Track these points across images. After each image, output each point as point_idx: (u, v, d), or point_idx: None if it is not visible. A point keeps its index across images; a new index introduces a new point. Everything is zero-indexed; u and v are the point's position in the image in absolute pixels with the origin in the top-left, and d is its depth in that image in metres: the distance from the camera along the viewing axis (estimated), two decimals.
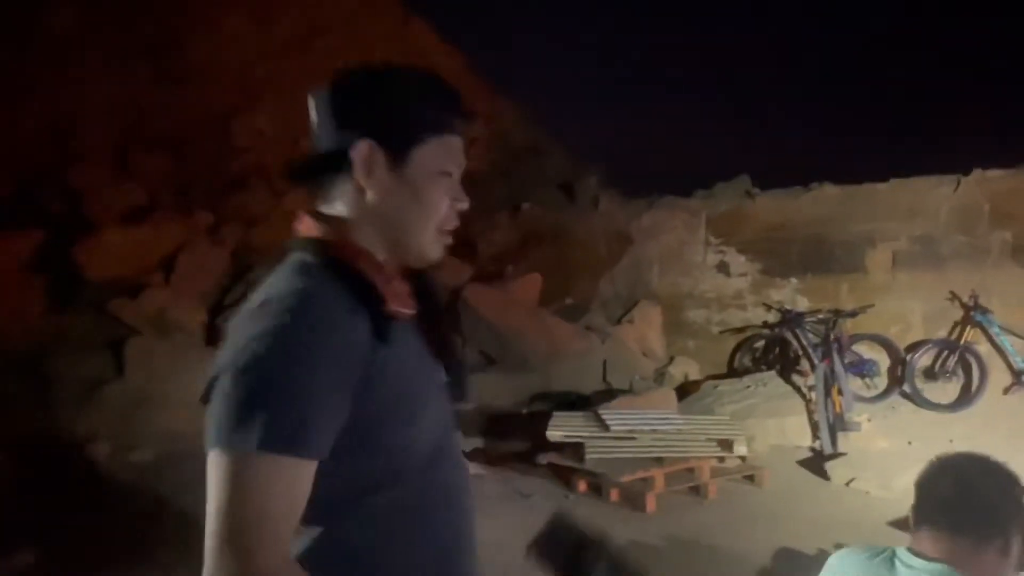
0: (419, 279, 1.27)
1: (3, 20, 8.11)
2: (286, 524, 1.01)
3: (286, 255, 1.16)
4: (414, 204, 1.19)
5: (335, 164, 1.17)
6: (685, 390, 7.57)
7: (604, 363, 8.06)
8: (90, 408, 6.05)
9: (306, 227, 1.19)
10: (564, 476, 5.71)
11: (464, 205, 1.26)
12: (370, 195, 1.17)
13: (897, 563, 1.56)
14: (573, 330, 8.39)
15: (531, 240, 9.69)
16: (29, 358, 6.18)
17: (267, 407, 0.98)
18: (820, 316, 7.56)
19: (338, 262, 1.13)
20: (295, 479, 1.01)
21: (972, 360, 6.98)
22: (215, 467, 0.99)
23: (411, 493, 1.14)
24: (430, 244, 1.22)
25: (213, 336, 7.30)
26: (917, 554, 1.55)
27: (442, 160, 1.21)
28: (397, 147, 1.17)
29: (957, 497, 1.56)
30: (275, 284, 1.11)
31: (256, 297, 1.10)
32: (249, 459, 0.97)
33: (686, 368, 8.38)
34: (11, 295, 6.52)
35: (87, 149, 7.88)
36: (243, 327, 1.05)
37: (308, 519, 1.06)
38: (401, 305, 1.15)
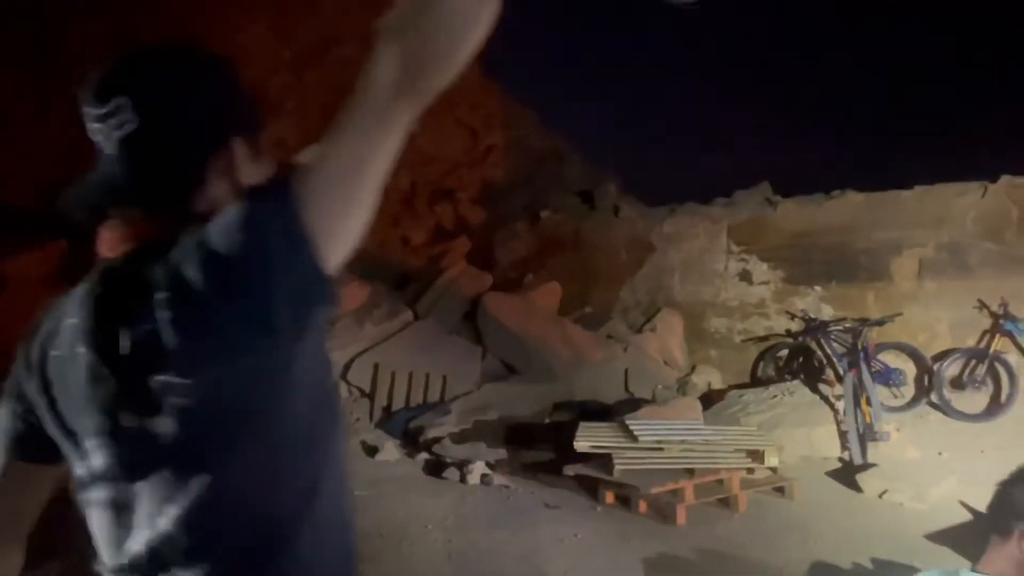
0: None
1: (28, 31, 8.16)
2: None
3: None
4: None
5: (195, 173, 1.06)
6: (709, 399, 7.51)
7: (626, 372, 8.00)
8: None
9: (167, 227, 1.02)
10: (591, 487, 5.65)
11: None
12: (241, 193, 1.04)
13: None
14: (594, 338, 8.34)
15: (551, 248, 9.66)
16: None
17: None
18: (846, 325, 7.49)
19: None
20: None
21: (1001, 369, 6.89)
22: None
23: None
24: None
25: None
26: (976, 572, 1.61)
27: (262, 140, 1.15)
28: (255, 137, 1.12)
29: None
30: None
31: None
32: None
33: (708, 377, 8.32)
34: (35, 307, 6.52)
35: None
36: None
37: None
38: None
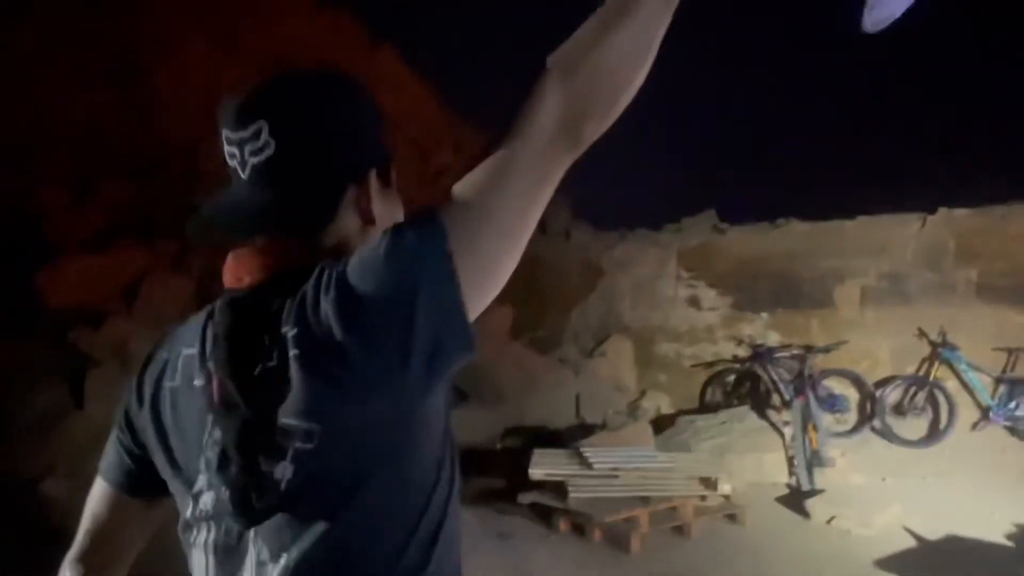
0: None
1: None
2: None
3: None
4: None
5: (331, 204, 1.01)
6: (659, 424, 7.54)
7: (577, 397, 8.01)
8: (47, 442, 5.78)
9: (297, 259, 0.97)
10: (544, 515, 5.60)
11: None
12: (371, 226, 1.03)
13: None
14: (546, 362, 8.33)
15: None
16: None
17: None
18: (792, 351, 7.62)
19: None
20: None
21: (941, 396, 7.08)
22: None
23: None
24: None
25: None
26: None
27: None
28: (387, 168, 1.07)
29: None
30: None
31: None
32: None
33: (658, 402, 8.37)
34: None
35: (49, 173, 7.62)
36: None
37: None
38: None
